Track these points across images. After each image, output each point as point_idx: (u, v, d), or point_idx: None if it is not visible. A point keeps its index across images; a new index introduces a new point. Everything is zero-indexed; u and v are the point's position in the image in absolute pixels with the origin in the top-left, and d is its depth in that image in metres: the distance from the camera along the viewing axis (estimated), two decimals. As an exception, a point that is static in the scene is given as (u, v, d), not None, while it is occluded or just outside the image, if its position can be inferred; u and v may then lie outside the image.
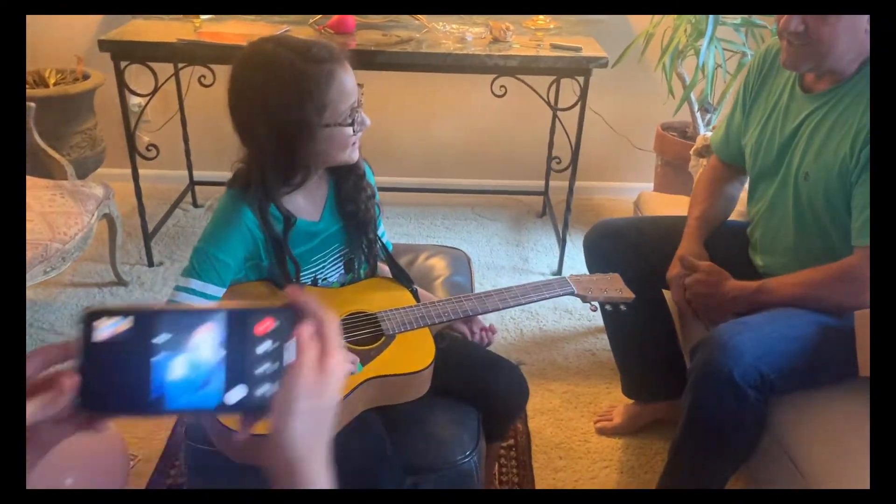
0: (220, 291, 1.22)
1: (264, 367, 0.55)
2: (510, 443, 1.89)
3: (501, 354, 1.48)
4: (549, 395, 2.08)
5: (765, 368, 1.32)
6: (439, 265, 1.83)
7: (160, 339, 0.53)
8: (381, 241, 1.43)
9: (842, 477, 1.25)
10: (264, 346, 0.55)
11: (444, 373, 1.35)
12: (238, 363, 0.54)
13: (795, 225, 1.50)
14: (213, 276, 1.21)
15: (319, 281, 1.35)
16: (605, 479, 1.81)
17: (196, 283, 1.20)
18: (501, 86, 2.42)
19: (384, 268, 1.46)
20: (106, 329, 0.52)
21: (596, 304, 1.44)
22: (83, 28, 2.88)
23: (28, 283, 1.92)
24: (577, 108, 2.40)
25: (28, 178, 2.20)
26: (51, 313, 2.33)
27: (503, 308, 1.38)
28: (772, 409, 1.39)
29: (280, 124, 1.16)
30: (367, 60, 2.30)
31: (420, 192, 3.16)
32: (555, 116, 2.56)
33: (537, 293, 1.39)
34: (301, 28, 2.50)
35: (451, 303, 1.34)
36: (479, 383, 1.40)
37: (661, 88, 2.72)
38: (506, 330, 2.34)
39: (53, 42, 2.90)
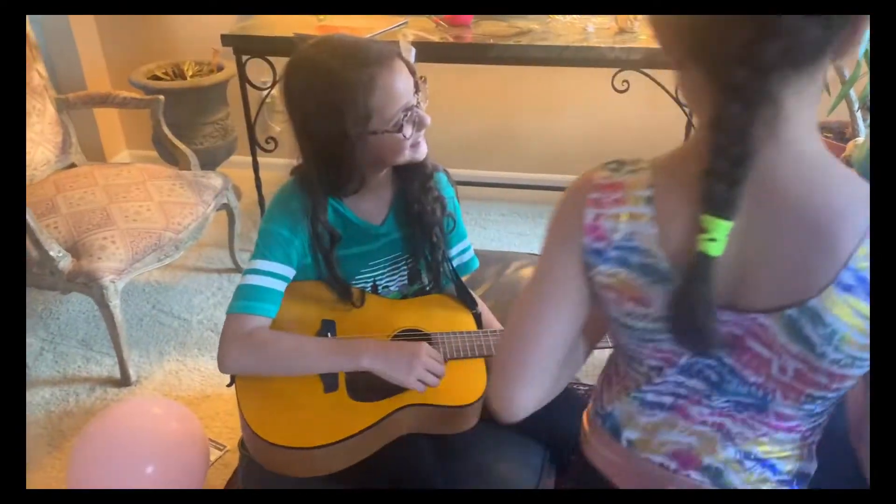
0: (287, 270, 1.18)
1: None
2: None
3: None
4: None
5: None
6: (531, 277, 1.71)
7: None
8: (451, 265, 1.33)
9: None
10: None
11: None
12: None
13: None
14: (279, 254, 1.17)
15: (379, 288, 1.29)
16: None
17: (261, 263, 1.17)
18: (624, 80, 2.23)
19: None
20: None
21: None
22: (222, 20, 3.00)
23: (141, 270, 2.02)
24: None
25: (152, 167, 2.32)
26: (171, 297, 2.46)
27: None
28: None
29: (321, 136, 1.11)
30: (478, 55, 2.21)
31: (540, 190, 3.03)
32: (689, 115, 2.33)
33: None
34: (417, 19, 2.44)
35: None
36: (545, 417, 1.28)
37: (816, 83, 2.40)
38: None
39: (197, 35, 3.05)
